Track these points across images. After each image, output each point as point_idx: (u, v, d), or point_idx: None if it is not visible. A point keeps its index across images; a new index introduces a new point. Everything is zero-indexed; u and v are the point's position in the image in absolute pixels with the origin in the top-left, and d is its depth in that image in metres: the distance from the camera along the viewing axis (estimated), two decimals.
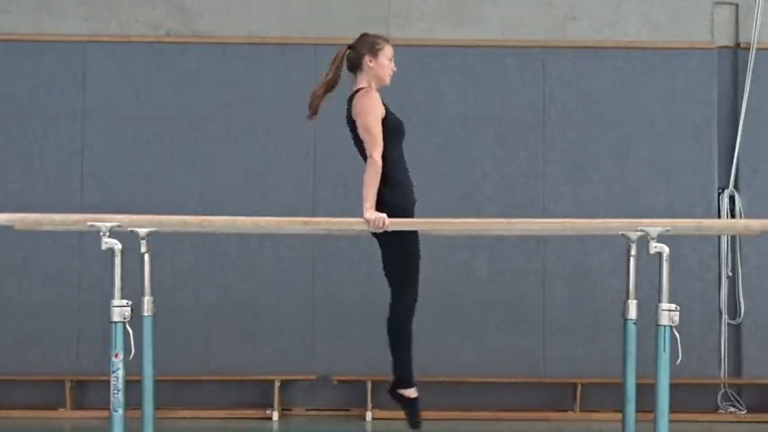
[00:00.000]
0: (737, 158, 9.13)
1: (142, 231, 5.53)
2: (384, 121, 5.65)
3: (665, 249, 5.37)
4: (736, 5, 9.22)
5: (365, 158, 5.69)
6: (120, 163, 9.07)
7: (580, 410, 8.90)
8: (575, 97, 9.16)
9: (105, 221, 5.39)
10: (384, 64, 5.79)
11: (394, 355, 5.82)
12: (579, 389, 8.87)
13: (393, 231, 5.60)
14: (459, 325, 9.01)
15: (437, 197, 8.98)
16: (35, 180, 9.04)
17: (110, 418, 5.34)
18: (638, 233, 5.49)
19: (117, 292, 5.35)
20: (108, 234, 5.37)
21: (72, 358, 8.95)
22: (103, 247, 5.37)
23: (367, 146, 5.60)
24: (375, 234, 5.68)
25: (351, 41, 5.90)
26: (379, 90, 5.79)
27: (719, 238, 9.06)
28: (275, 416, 8.82)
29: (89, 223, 5.43)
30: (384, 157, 5.59)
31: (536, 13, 9.22)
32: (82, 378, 8.90)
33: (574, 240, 8.90)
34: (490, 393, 8.98)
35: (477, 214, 8.62)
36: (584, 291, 8.99)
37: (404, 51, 9.11)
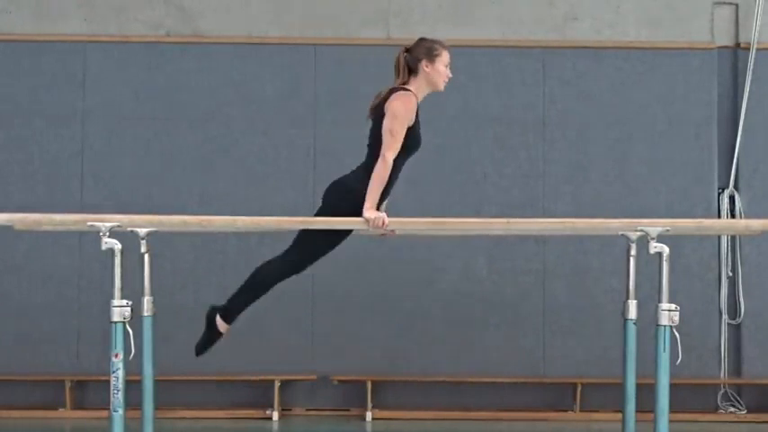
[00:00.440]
0: (737, 158, 9.13)
1: (142, 231, 5.54)
2: (408, 131, 5.62)
3: (665, 249, 5.37)
4: (736, 5, 9.22)
5: (370, 150, 5.65)
6: (120, 163, 9.07)
7: (580, 410, 8.90)
8: (575, 97, 9.16)
9: (105, 221, 5.39)
10: (441, 70, 5.78)
11: (239, 293, 5.79)
12: (579, 389, 8.87)
13: (339, 212, 5.56)
14: (459, 325, 9.00)
15: (437, 197, 8.99)
16: (35, 180, 9.04)
17: (110, 418, 5.34)
18: (638, 233, 5.49)
19: (117, 292, 5.35)
20: (108, 234, 5.37)
21: (72, 358, 8.95)
22: (103, 247, 5.37)
23: (384, 145, 5.55)
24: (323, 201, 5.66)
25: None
26: (421, 99, 5.75)
27: (719, 238, 9.06)
28: (275, 416, 8.82)
29: (89, 223, 5.43)
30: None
31: (536, 13, 9.22)
32: (82, 378, 8.90)
33: (574, 240, 8.90)
34: (490, 393, 8.98)
35: (477, 214, 8.62)
36: (584, 291, 8.99)
37: None
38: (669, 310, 5.35)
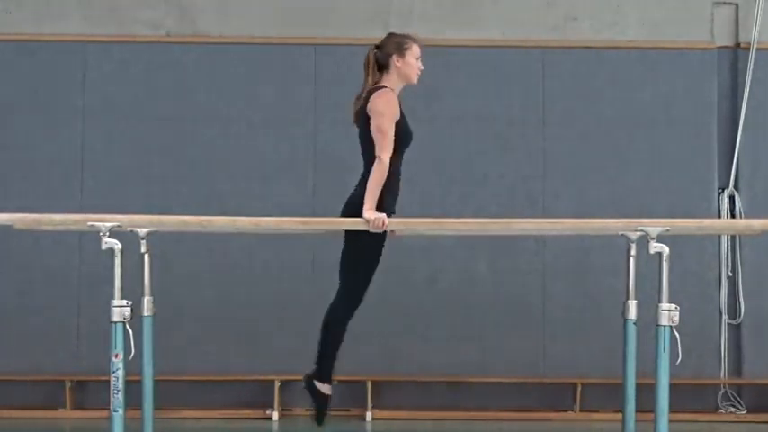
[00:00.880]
0: (737, 158, 9.13)
1: (142, 231, 5.54)
2: (397, 126, 5.63)
3: (665, 249, 5.37)
4: (736, 5, 9.22)
5: (365, 154, 5.67)
6: (120, 163, 9.07)
7: (580, 410, 8.90)
8: (575, 97, 9.16)
9: (105, 221, 5.39)
10: (411, 63, 5.80)
11: (321, 349, 5.87)
12: (579, 389, 8.87)
13: (364, 232, 5.56)
14: (459, 325, 9.01)
15: (437, 197, 8.99)
16: (35, 180, 9.03)
17: (110, 418, 5.34)
18: (638, 233, 5.49)
19: (117, 292, 5.36)
20: (108, 234, 5.37)
21: (72, 358, 8.95)
22: (103, 247, 5.37)
23: (377, 146, 5.58)
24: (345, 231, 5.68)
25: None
26: (400, 95, 5.78)
27: (719, 238, 9.06)
28: (275, 416, 8.82)
29: (89, 223, 5.43)
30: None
31: (536, 13, 9.22)
32: (82, 378, 8.90)
33: (574, 240, 8.89)
34: (490, 393, 8.98)
35: (477, 214, 8.62)
36: (585, 291, 9.00)
37: None
38: (669, 310, 5.35)
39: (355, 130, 5.87)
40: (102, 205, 8.36)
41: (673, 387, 5.42)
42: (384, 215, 5.55)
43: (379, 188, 5.55)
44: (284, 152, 9.08)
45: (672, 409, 5.42)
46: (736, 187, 9.13)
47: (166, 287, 8.44)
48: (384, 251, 8.72)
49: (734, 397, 9.07)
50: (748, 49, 9.12)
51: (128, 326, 5.34)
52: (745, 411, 9.01)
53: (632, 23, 9.22)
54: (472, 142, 9.14)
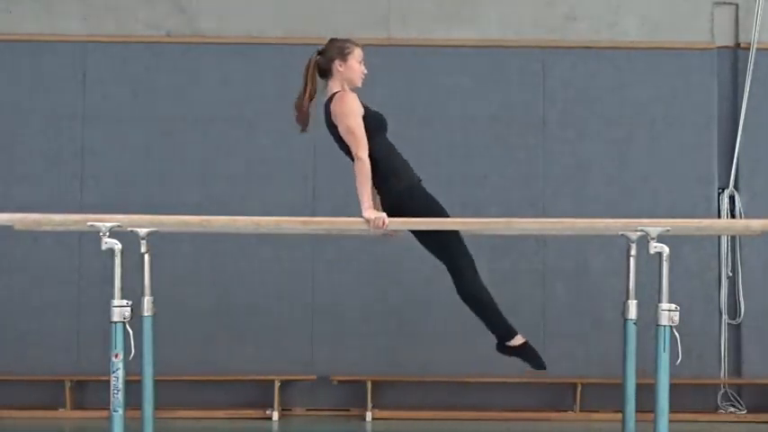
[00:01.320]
0: (737, 158, 9.13)
1: (142, 231, 5.53)
2: (365, 119, 5.67)
3: (665, 249, 5.37)
4: (736, 5, 9.22)
5: (352, 159, 5.70)
6: (120, 163, 9.07)
7: (580, 410, 8.90)
8: (575, 97, 9.16)
9: (105, 221, 5.39)
10: (354, 67, 5.82)
11: (484, 319, 5.89)
12: (579, 389, 8.87)
13: (417, 212, 5.57)
14: (459, 325, 8.99)
15: (437, 197, 8.96)
16: (35, 180, 9.03)
17: (110, 418, 5.34)
18: (638, 233, 5.49)
19: (117, 292, 5.35)
20: (108, 234, 5.37)
21: (72, 358, 8.96)
22: (103, 247, 5.37)
23: (352, 147, 5.63)
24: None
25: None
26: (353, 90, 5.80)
27: (719, 238, 9.06)
28: (275, 416, 8.82)
29: (89, 223, 5.43)
30: (372, 153, 5.60)
31: (536, 13, 9.22)
32: (82, 378, 8.90)
33: (574, 240, 8.89)
34: (490, 393, 8.98)
35: (477, 214, 8.61)
36: (584, 291, 9.00)
37: (404, 51, 9.18)
38: (669, 310, 5.35)
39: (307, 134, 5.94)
40: (102, 205, 8.39)
41: (673, 387, 5.41)
42: (384, 214, 5.55)
43: (368, 185, 5.58)
44: (284, 152, 9.08)
45: (672, 409, 5.42)
46: (736, 187, 9.13)
47: (166, 287, 8.43)
48: (383, 251, 8.77)
49: (734, 397, 9.07)
50: (748, 49, 9.12)
51: (128, 326, 5.34)
52: (745, 411, 9.01)
53: (632, 23, 9.22)
54: (472, 142, 9.14)
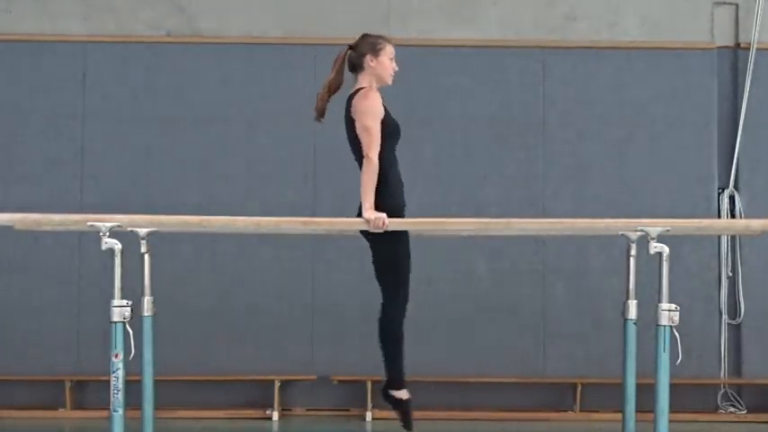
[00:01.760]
0: (737, 158, 9.13)
1: (142, 231, 5.53)
2: (382, 123, 5.65)
3: (665, 249, 5.37)
4: (736, 5, 9.22)
5: (358, 158, 5.68)
6: (120, 163, 9.07)
7: (580, 410, 8.90)
8: (575, 97, 9.16)
9: (105, 221, 5.39)
10: (385, 63, 5.80)
11: (385, 357, 5.77)
12: (579, 389, 8.87)
13: (386, 232, 5.57)
14: (459, 325, 9.00)
15: (437, 197, 8.98)
16: (35, 180, 9.03)
17: (110, 418, 5.34)
18: (638, 233, 5.49)
19: (117, 292, 5.35)
20: (108, 234, 5.37)
21: (72, 358, 8.96)
22: (103, 247, 5.37)
23: (364, 146, 5.60)
24: (366, 235, 5.67)
25: (351, 41, 5.91)
26: (379, 90, 5.80)
27: (719, 238, 9.06)
28: (275, 416, 8.82)
29: (89, 223, 5.43)
30: (379, 158, 5.59)
31: (536, 13, 9.22)
32: (82, 378, 8.90)
33: (574, 240, 8.89)
34: (490, 393, 8.98)
35: (477, 214, 8.62)
36: (584, 291, 9.00)
37: (404, 51, 9.09)
38: (669, 310, 5.35)
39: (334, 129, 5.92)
40: (102, 205, 8.39)
41: (673, 387, 5.41)
42: (384, 215, 5.55)
43: (373, 186, 5.56)
44: (284, 152, 9.08)
45: (672, 409, 5.42)
46: (736, 187, 9.13)
47: (166, 287, 8.44)
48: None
49: (734, 397, 9.07)
50: (748, 49, 9.12)
51: (128, 326, 5.34)
52: (745, 411, 9.01)
53: (632, 23, 9.22)
54: (472, 142, 9.14)
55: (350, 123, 5.70)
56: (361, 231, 5.65)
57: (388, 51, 5.81)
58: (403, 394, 5.81)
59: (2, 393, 8.89)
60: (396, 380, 5.80)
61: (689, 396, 8.80)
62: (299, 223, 6.04)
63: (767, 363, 9.05)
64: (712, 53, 9.18)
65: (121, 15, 9.18)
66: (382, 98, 5.73)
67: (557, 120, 9.14)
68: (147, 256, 5.60)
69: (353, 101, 5.71)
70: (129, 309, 5.36)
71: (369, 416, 8.81)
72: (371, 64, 5.77)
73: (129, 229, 5.51)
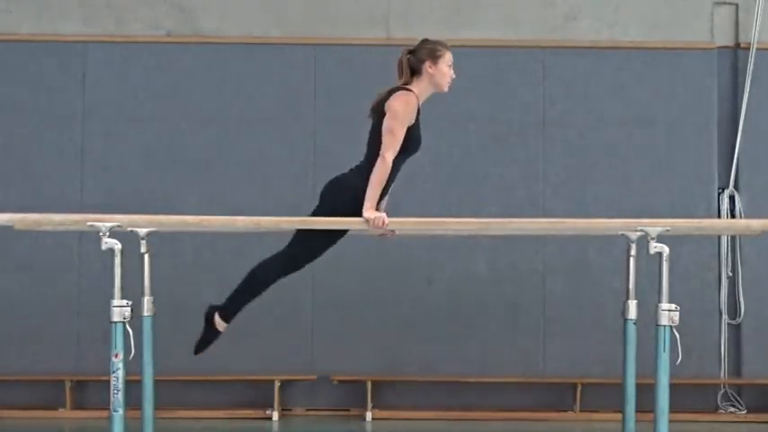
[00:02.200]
0: (737, 158, 9.13)
1: (142, 231, 5.53)
2: (407, 130, 5.61)
3: (665, 249, 5.36)
4: (736, 5, 9.22)
5: (369, 152, 5.64)
6: (120, 163, 9.07)
7: (580, 410, 8.90)
8: (575, 97, 9.16)
9: (105, 221, 5.39)
10: (444, 71, 5.81)
11: (237, 292, 5.86)
12: (579, 389, 8.87)
13: (339, 210, 5.58)
14: (459, 325, 9.01)
15: (437, 197, 8.99)
16: (35, 180, 9.03)
17: (110, 418, 5.34)
18: (638, 233, 5.49)
19: (117, 292, 5.35)
20: (108, 234, 5.36)
21: (72, 358, 8.95)
22: (103, 247, 5.36)
23: (384, 145, 5.54)
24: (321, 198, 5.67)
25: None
26: (424, 101, 5.77)
27: (719, 238, 9.06)
28: (275, 416, 8.82)
29: (89, 223, 5.43)
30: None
31: (536, 13, 9.22)
32: (82, 378, 8.90)
33: (574, 240, 8.89)
34: (490, 393, 8.98)
35: (477, 214, 8.61)
36: (584, 290, 8.99)
37: None
38: (669, 310, 5.35)
39: (358, 129, 5.87)
40: (102, 205, 8.38)
41: (673, 387, 5.41)
42: (384, 215, 5.54)
43: (381, 187, 5.54)
44: (284, 152, 9.08)
45: (672, 409, 5.42)
46: (736, 187, 9.13)
47: (166, 287, 8.45)
48: (383, 251, 8.76)
49: (734, 397, 9.07)
50: (748, 49, 9.12)
51: (128, 326, 5.34)
52: (745, 411, 9.01)
53: (632, 23, 9.22)
54: (472, 142, 9.14)
55: (378, 116, 5.64)
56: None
57: (447, 58, 5.83)
58: (222, 327, 5.86)
59: (2, 393, 8.89)
60: (229, 312, 5.85)
61: (689, 396, 8.80)
62: (299, 223, 6.03)
63: (767, 363, 9.04)
64: (712, 53, 9.18)
65: (121, 15, 9.18)
66: (419, 108, 5.70)
67: (557, 120, 9.14)
68: (146, 256, 5.60)
69: (392, 95, 5.63)
70: (129, 309, 5.36)
71: (369, 416, 8.81)
72: (430, 71, 5.77)
73: (129, 229, 5.51)
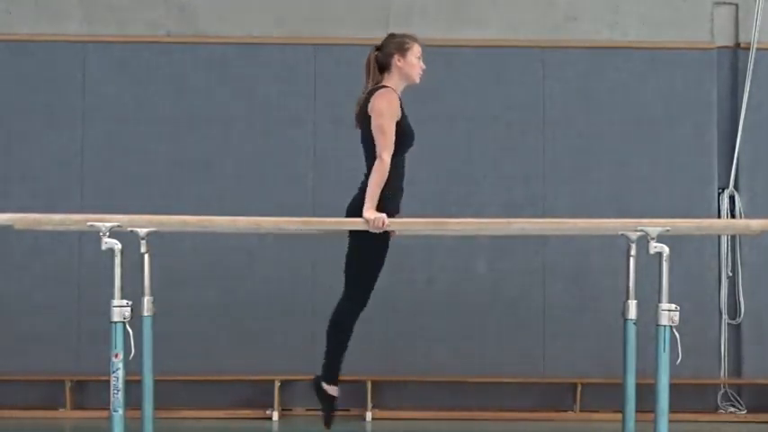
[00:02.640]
0: (737, 158, 9.13)
1: (142, 231, 5.54)
2: (397, 125, 5.63)
3: (665, 249, 5.37)
4: (736, 5, 9.22)
5: (368, 157, 5.67)
6: (120, 163, 9.07)
7: (580, 410, 8.90)
8: (575, 97, 9.16)
9: (105, 221, 5.39)
10: (413, 62, 5.81)
11: (328, 351, 5.87)
12: (579, 389, 8.87)
13: (367, 233, 5.56)
14: (459, 325, 9.01)
15: (437, 197, 8.99)
16: (35, 180, 9.03)
17: (110, 418, 5.35)
18: (638, 233, 5.50)
19: (117, 292, 5.36)
20: (108, 234, 5.37)
21: (72, 358, 8.95)
22: (103, 247, 5.37)
23: (378, 146, 5.57)
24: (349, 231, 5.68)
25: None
26: (401, 95, 5.79)
27: (719, 238, 9.06)
28: (275, 416, 8.83)
29: (89, 223, 5.43)
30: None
31: (536, 13, 9.22)
32: (82, 378, 8.90)
33: (574, 240, 8.89)
34: (490, 393, 8.98)
35: (477, 214, 8.62)
36: (585, 291, 9.00)
37: None
38: (669, 310, 5.35)
39: (355, 131, 5.87)
40: (102, 205, 8.38)
41: (673, 387, 5.42)
42: (384, 215, 5.55)
43: (380, 188, 5.55)
44: (284, 152, 9.08)
45: (672, 409, 5.42)
46: (736, 187, 9.13)
47: (166, 287, 8.45)
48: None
49: (734, 397, 9.07)
50: (748, 49, 9.12)
51: (128, 326, 5.34)
52: (745, 411, 9.01)
53: (632, 23, 9.22)
54: (472, 142, 9.14)
55: (365, 121, 5.66)
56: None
57: (416, 50, 5.82)
58: (333, 391, 5.89)
59: (2, 393, 8.89)
60: (331, 375, 5.90)
61: (689, 396, 8.80)
62: (299, 223, 6.04)
63: (767, 363, 9.05)
64: (712, 53, 9.18)
65: (121, 15, 9.18)
66: (401, 102, 5.72)
67: (557, 120, 9.14)
68: (146, 256, 5.60)
69: (373, 98, 5.66)
70: (129, 309, 5.36)
71: (369, 416, 8.81)
72: (399, 63, 5.77)
73: (129, 229, 5.52)
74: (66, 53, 9.11)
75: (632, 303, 5.60)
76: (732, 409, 9.03)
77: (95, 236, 5.40)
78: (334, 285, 8.97)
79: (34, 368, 8.90)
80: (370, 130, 5.62)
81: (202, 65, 9.14)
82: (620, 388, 5.69)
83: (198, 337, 8.94)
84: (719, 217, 9.00)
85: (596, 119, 9.14)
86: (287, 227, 6.14)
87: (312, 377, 5.98)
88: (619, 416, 5.85)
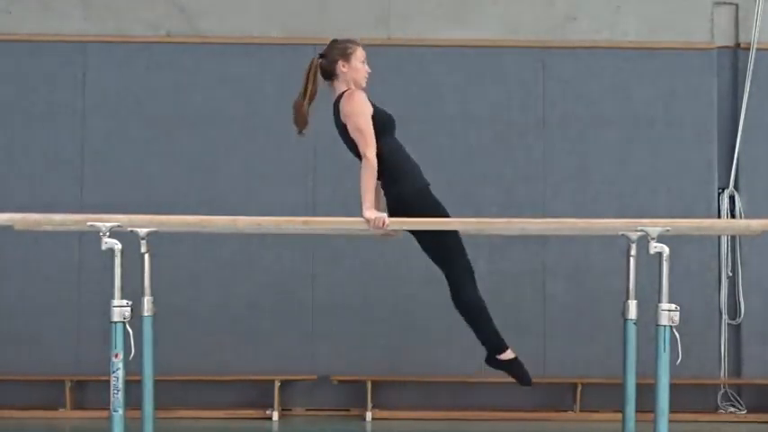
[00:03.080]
0: (737, 158, 9.13)
1: (142, 231, 5.53)
2: (373, 118, 5.66)
3: (665, 249, 5.37)
4: (736, 5, 9.22)
5: (360, 158, 5.69)
6: (120, 163, 9.07)
7: (580, 410, 8.90)
8: (575, 97, 9.16)
9: (105, 221, 5.39)
10: (358, 67, 5.81)
11: (479, 329, 5.79)
12: (579, 389, 8.87)
13: (419, 215, 5.57)
14: (459, 325, 8.97)
15: (437, 197, 8.97)
16: (35, 180, 9.04)
17: (110, 418, 5.34)
18: (638, 233, 5.49)
19: (117, 292, 5.35)
20: (108, 234, 5.37)
21: (72, 358, 8.96)
22: (103, 247, 5.37)
23: (360, 146, 5.61)
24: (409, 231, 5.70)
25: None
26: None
27: (719, 238, 9.06)
28: (275, 416, 8.82)
29: (89, 223, 5.43)
30: (381, 153, 5.60)
31: (536, 13, 9.22)
32: (82, 378, 8.90)
33: (574, 240, 8.90)
34: (490, 393, 8.98)
35: (477, 214, 8.61)
36: (585, 291, 9.00)
37: (404, 51, 9.18)
38: (669, 310, 5.35)
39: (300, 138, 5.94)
40: (103, 205, 8.37)
41: (673, 387, 5.41)
42: (384, 215, 5.55)
43: (373, 185, 5.57)
44: (284, 152, 9.08)
45: (672, 409, 5.42)
46: (736, 187, 9.13)
47: (166, 287, 8.45)
48: (383, 251, 8.77)
49: (734, 397, 9.07)
50: (748, 49, 9.12)
51: (128, 326, 5.34)
52: (745, 411, 9.01)
53: (632, 23, 9.22)
54: (472, 142, 9.14)
55: (342, 128, 5.72)
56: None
57: (359, 55, 5.82)
58: (509, 354, 5.78)
59: (2, 393, 8.89)
60: (496, 345, 5.78)
61: (689, 396, 8.80)
62: (299, 223, 6.03)
63: (767, 363, 9.05)
64: (712, 53, 9.18)
65: (121, 15, 9.18)
66: (367, 94, 5.73)
67: (557, 120, 9.14)
68: (147, 256, 5.60)
69: (340, 105, 5.72)
70: (129, 309, 5.36)
71: (369, 416, 8.81)
72: (344, 69, 5.79)
73: (129, 229, 5.51)
74: (66, 53, 9.11)
75: (632, 303, 5.59)
76: (732, 409, 9.03)
77: (95, 236, 5.39)
78: (335, 285, 9.05)
79: (34, 368, 8.91)
80: (350, 135, 5.67)
81: (202, 65, 9.14)
82: (620, 388, 5.69)
83: (198, 337, 8.95)
84: (719, 217, 9.01)
85: (596, 119, 9.14)
86: (287, 227, 6.14)
87: (486, 361, 5.84)
88: (619, 416, 5.85)
